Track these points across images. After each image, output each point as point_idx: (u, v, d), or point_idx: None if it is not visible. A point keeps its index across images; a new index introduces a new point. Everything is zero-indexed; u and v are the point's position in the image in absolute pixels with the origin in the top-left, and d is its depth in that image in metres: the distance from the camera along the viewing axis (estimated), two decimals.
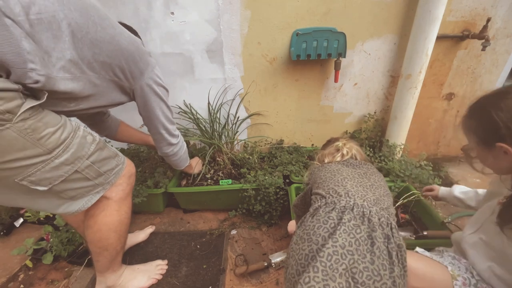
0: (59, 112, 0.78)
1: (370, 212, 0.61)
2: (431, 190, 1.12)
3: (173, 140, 1.16)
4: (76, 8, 0.70)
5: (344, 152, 0.84)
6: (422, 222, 1.19)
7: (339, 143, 0.88)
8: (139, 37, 1.19)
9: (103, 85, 0.83)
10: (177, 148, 1.20)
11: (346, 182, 0.70)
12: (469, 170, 1.78)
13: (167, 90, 1.06)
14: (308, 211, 0.90)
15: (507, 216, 0.60)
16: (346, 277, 0.52)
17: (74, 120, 0.79)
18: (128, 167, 0.96)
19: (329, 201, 0.65)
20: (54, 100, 0.72)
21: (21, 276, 1.19)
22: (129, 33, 0.91)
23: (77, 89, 0.75)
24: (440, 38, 1.32)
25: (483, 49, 1.33)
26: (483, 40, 1.31)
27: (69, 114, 0.83)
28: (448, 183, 1.64)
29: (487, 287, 0.67)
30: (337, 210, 0.62)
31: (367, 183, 0.71)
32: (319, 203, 0.67)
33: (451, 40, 1.41)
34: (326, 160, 0.87)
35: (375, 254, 0.55)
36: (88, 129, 0.81)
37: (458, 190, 1.01)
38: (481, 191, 0.94)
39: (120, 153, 0.94)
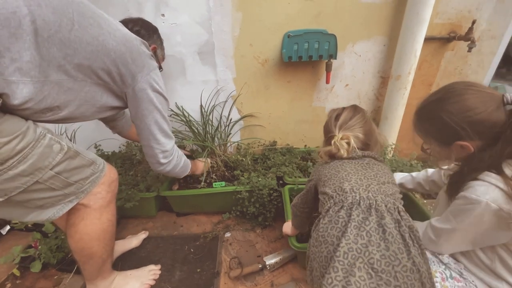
0: (44, 121, 0.73)
1: (376, 201, 0.63)
2: None
3: (163, 160, 1.03)
4: (49, 4, 0.64)
5: (345, 147, 0.78)
6: (411, 216, 1.21)
7: (335, 139, 0.79)
8: (157, 35, 1.14)
9: (85, 90, 0.77)
10: (169, 167, 1.07)
11: (351, 177, 0.71)
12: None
13: (165, 99, 0.97)
14: (306, 210, 0.92)
15: (451, 185, 0.71)
16: (366, 269, 0.54)
17: (42, 126, 0.73)
18: (108, 174, 0.90)
19: (337, 200, 0.67)
20: (20, 111, 0.67)
21: (8, 285, 1.15)
22: (126, 32, 0.84)
23: (40, 95, 0.67)
24: (428, 39, 1.35)
25: (469, 51, 1.37)
26: (469, 42, 1.34)
27: (58, 122, 0.79)
28: None
29: (457, 266, 0.74)
30: (345, 208, 0.64)
31: (370, 173, 0.72)
32: (329, 204, 0.68)
33: (438, 41, 1.45)
34: (328, 159, 0.83)
35: (388, 240, 0.57)
36: (57, 138, 0.75)
37: (398, 177, 1.12)
38: (415, 174, 1.07)
39: (98, 160, 0.88)
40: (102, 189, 0.89)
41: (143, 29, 1.07)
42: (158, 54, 1.15)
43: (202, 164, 1.38)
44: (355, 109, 0.84)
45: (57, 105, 0.73)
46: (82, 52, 0.71)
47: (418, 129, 0.76)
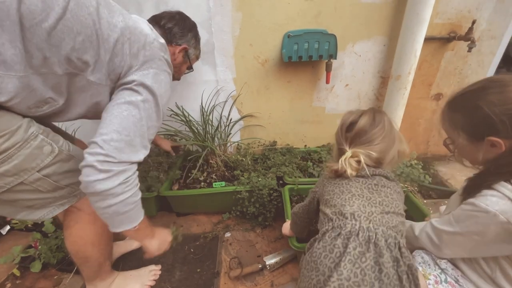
0: (43, 116, 0.71)
1: (376, 234, 0.59)
2: None
3: (100, 165, 0.67)
4: None
5: (353, 167, 0.69)
6: (411, 217, 1.21)
7: (345, 158, 0.70)
8: (193, 33, 1.04)
9: (78, 84, 0.72)
10: (107, 183, 0.68)
11: (354, 201, 0.66)
12: (458, 168, 1.83)
13: (158, 107, 0.79)
14: (306, 221, 0.91)
15: (468, 189, 0.66)
16: None
17: (38, 127, 0.69)
18: None
19: (335, 225, 0.64)
20: (10, 107, 0.64)
21: (8, 285, 1.15)
22: (132, 26, 0.77)
23: (27, 89, 0.63)
24: (428, 39, 1.35)
25: (469, 51, 1.37)
26: (469, 42, 1.34)
27: (59, 118, 0.76)
28: (438, 181, 1.68)
29: (454, 273, 0.73)
30: (342, 237, 0.60)
31: (376, 199, 0.66)
32: (327, 227, 0.65)
33: (438, 41, 1.45)
34: (334, 176, 0.75)
35: (383, 281, 0.54)
36: (50, 139, 0.71)
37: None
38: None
39: None
40: None
41: (177, 26, 0.99)
42: (190, 54, 1.07)
43: (163, 236, 1.00)
44: (374, 118, 0.71)
45: (50, 96, 0.69)
46: (70, 42, 0.65)
47: (447, 121, 0.70)
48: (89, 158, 0.67)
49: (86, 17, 0.67)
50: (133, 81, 0.75)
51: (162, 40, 0.87)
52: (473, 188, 0.66)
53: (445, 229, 0.70)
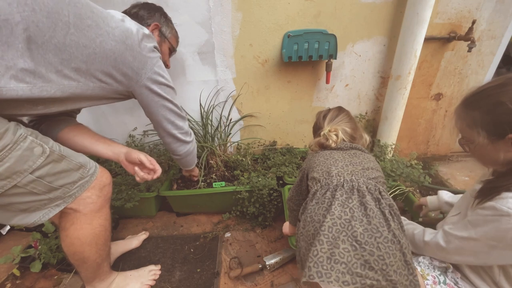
0: (25, 116, 0.72)
1: (358, 183, 0.68)
2: (420, 205, 1.12)
3: (188, 138, 1.10)
4: (43, 8, 0.63)
5: (333, 138, 0.83)
6: (411, 217, 1.21)
7: (325, 131, 0.86)
8: (160, 13, 1.07)
9: (88, 92, 0.77)
10: (192, 146, 1.15)
11: (338, 163, 0.76)
12: (458, 168, 1.83)
13: (172, 88, 0.98)
14: (302, 202, 0.92)
15: (486, 191, 0.65)
16: (350, 242, 0.58)
17: (24, 129, 0.69)
18: (99, 178, 0.87)
19: (323, 183, 0.72)
20: (13, 103, 0.65)
21: (8, 285, 1.15)
22: (125, 28, 0.81)
23: (38, 97, 0.67)
24: (428, 39, 1.35)
25: (469, 51, 1.37)
26: (469, 42, 1.34)
27: (37, 115, 0.78)
28: (438, 181, 1.68)
29: (454, 275, 0.73)
30: (331, 190, 0.69)
31: (356, 161, 0.78)
32: (316, 187, 0.73)
33: (438, 41, 1.45)
34: (318, 149, 0.88)
35: (369, 215, 0.62)
36: (40, 141, 0.71)
37: (446, 195, 1.02)
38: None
39: (89, 164, 0.84)
40: (92, 194, 0.85)
41: (142, 9, 1.03)
42: (164, 32, 1.08)
43: (197, 170, 1.42)
44: (340, 109, 0.93)
45: (51, 101, 0.72)
46: (79, 56, 0.70)
47: (464, 120, 0.67)
48: (178, 143, 1.08)
49: (87, 29, 0.71)
50: (148, 85, 0.89)
51: (147, 31, 0.90)
52: (491, 190, 0.63)
53: (458, 234, 0.67)
